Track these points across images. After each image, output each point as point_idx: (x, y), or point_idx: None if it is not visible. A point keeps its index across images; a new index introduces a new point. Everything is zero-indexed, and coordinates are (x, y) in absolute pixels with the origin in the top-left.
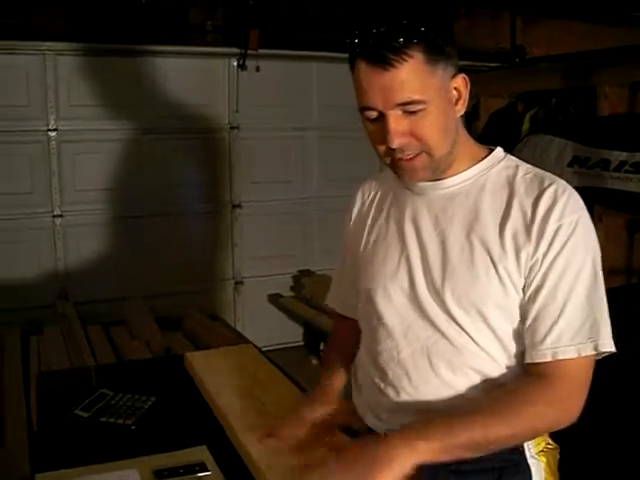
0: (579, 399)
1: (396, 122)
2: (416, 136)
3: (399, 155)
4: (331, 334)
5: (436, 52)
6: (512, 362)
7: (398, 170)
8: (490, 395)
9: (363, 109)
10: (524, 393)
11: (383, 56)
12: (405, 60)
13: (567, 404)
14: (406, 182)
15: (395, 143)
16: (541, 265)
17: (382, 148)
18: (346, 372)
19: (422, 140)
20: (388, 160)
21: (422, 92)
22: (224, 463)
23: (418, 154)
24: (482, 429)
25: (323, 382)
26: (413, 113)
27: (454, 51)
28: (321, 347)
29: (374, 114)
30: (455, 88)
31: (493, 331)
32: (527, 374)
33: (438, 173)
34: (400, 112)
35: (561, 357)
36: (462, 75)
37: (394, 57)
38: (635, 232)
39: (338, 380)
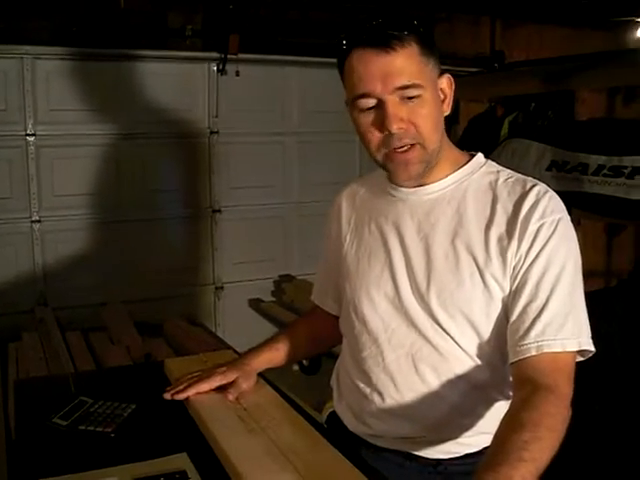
0: (571, 389)
1: (395, 107)
2: (413, 123)
3: (396, 144)
4: (301, 317)
5: (427, 47)
6: (498, 368)
7: (391, 164)
8: (506, 430)
9: (358, 97)
10: (534, 408)
11: (385, 39)
12: (404, 46)
13: (567, 395)
14: (400, 177)
15: (394, 127)
16: (523, 263)
17: (377, 138)
18: (285, 352)
19: (418, 128)
20: (382, 153)
21: (419, 78)
22: (205, 470)
23: (412, 146)
24: (532, 464)
25: (244, 361)
26: (410, 99)
27: (437, 52)
28: None
29: (371, 102)
30: (441, 89)
31: (479, 335)
32: (516, 379)
33: (427, 172)
34: (398, 98)
35: (546, 350)
36: (447, 75)
37: (394, 41)
38: (613, 236)
39: (261, 362)
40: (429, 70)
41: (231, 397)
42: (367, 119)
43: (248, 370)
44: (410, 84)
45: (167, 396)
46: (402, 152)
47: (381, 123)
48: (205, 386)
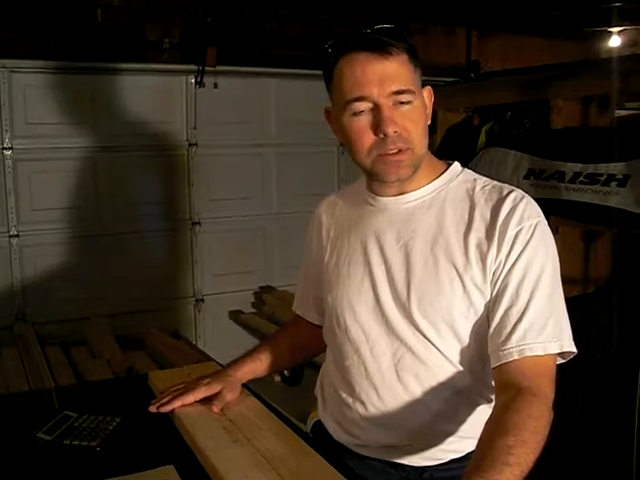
0: (553, 391)
1: (390, 111)
2: (405, 128)
3: (389, 147)
4: (282, 326)
5: (414, 57)
6: (479, 372)
7: (382, 166)
8: (491, 434)
9: (352, 101)
10: (517, 411)
11: (384, 43)
12: (398, 53)
13: (549, 397)
14: (390, 179)
15: (390, 130)
16: (503, 268)
17: (368, 142)
18: (268, 362)
19: (410, 133)
20: (372, 156)
21: (411, 84)
22: None
23: (404, 149)
24: (517, 468)
25: (228, 372)
26: (402, 105)
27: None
28: None
29: (364, 105)
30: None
31: (460, 341)
32: (498, 383)
33: (408, 183)
34: (391, 103)
35: (528, 354)
36: (428, 87)
37: (391, 47)
38: (591, 242)
39: (245, 373)
40: (417, 79)
41: (216, 409)
42: (360, 123)
43: (232, 381)
44: (405, 89)
45: (152, 409)
46: (394, 154)
47: (376, 126)
48: (190, 398)
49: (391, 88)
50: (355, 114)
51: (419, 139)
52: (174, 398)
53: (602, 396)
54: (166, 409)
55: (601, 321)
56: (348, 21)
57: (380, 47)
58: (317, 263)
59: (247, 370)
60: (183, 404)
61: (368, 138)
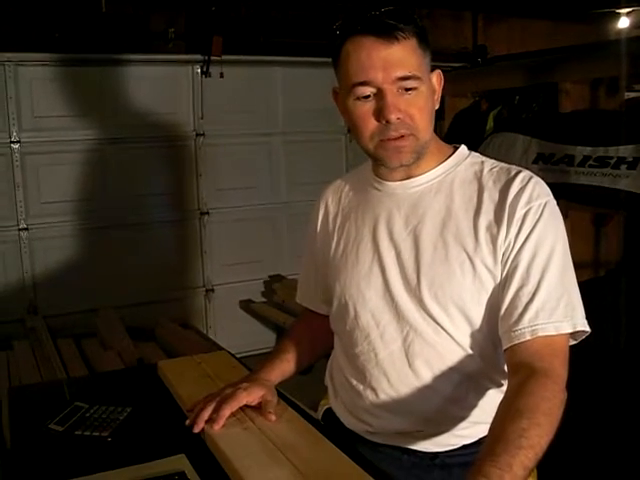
0: (566, 371)
1: (394, 97)
2: (409, 114)
3: (392, 133)
4: (297, 322)
5: (424, 41)
6: (489, 356)
7: (384, 152)
8: (504, 417)
9: (357, 85)
10: (530, 394)
11: (391, 28)
12: (405, 38)
13: (562, 377)
14: (392, 164)
15: (393, 117)
16: (513, 247)
17: (372, 126)
18: (294, 361)
19: (414, 120)
20: (375, 141)
21: (418, 70)
22: (204, 471)
23: (406, 135)
24: (531, 451)
25: (262, 376)
26: (407, 91)
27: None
28: None
29: (369, 90)
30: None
31: (471, 325)
32: (510, 365)
33: (414, 164)
34: (396, 89)
35: (541, 334)
36: (438, 71)
37: (398, 32)
38: (601, 226)
39: (277, 375)
40: (425, 64)
41: (274, 417)
42: (363, 107)
43: (270, 386)
44: (410, 75)
45: (196, 429)
46: (396, 139)
47: (379, 112)
48: (234, 405)
49: (396, 74)
50: (359, 98)
51: (424, 125)
52: (217, 406)
53: (616, 380)
54: (215, 428)
55: (612, 304)
56: (349, 7)
57: (387, 32)
58: (324, 250)
59: (278, 372)
60: (224, 416)
61: (371, 123)
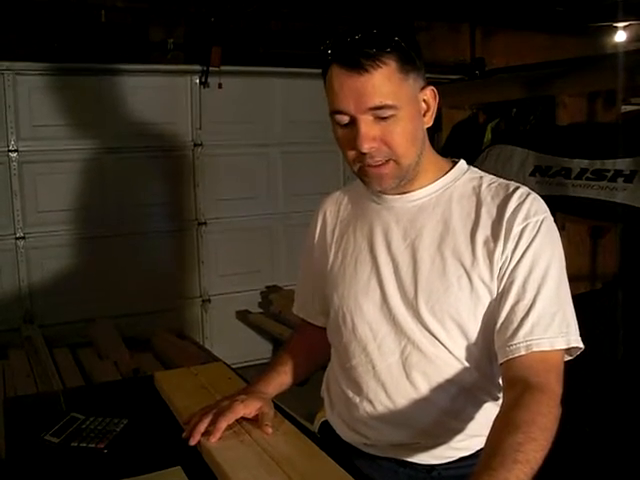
0: (561, 387)
1: (367, 127)
2: (386, 142)
3: (368, 161)
4: (294, 334)
5: (408, 62)
6: (485, 370)
7: (366, 177)
8: (500, 432)
9: (334, 113)
10: (526, 408)
11: (357, 61)
12: (379, 66)
13: (557, 393)
14: (374, 189)
15: (365, 147)
16: (509, 263)
17: (352, 154)
18: (291, 374)
19: (391, 147)
20: (357, 167)
21: (394, 98)
22: None
23: (386, 161)
24: (527, 465)
25: (259, 388)
26: (384, 119)
27: (422, 64)
28: None
29: (345, 119)
30: (424, 100)
31: (467, 339)
32: (506, 379)
33: (405, 183)
34: (371, 117)
35: (535, 349)
36: (431, 88)
37: (368, 62)
38: (598, 238)
39: (275, 388)
40: (408, 86)
41: (271, 430)
42: (343, 134)
43: (267, 398)
44: (382, 105)
45: (192, 442)
46: (375, 167)
47: (354, 141)
48: (231, 417)
49: (367, 104)
50: (338, 124)
51: (403, 151)
52: (213, 419)
53: (610, 392)
54: (211, 441)
55: (609, 317)
56: (352, 19)
57: (355, 64)
58: (321, 261)
59: (276, 385)
60: (221, 428)
61: (351, 150)
